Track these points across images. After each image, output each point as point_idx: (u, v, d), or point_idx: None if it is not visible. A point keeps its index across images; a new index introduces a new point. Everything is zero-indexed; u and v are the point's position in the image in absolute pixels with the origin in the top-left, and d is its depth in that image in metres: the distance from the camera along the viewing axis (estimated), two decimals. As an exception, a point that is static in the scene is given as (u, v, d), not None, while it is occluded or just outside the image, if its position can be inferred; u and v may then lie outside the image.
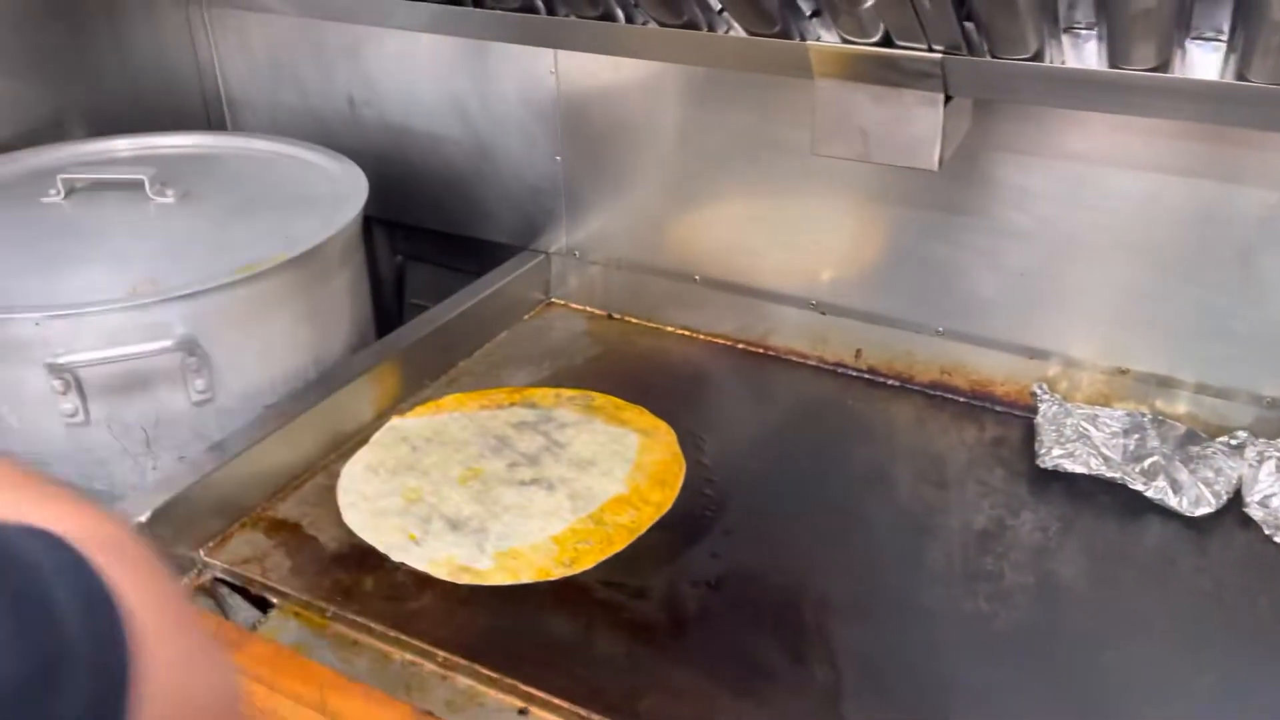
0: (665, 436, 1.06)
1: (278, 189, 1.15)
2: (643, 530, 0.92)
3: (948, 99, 0.79)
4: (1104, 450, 0.98)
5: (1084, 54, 0.73)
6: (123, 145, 1.25)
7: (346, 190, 1.13)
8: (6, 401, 0.92)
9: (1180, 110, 0.76)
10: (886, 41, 0.76)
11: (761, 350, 1.22)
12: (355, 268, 1.12)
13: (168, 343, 0.90)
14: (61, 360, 0.87)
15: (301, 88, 1.40)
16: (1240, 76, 0.68)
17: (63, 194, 1.08)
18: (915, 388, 1.14)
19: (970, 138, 0.98)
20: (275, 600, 0.86)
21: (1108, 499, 0.96)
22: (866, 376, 1.17)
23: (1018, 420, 1.08)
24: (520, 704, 0.75)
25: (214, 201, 1.10)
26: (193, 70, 1.45)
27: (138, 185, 1.07)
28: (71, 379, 0.89)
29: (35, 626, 0.27)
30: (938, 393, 1.13)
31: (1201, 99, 0.71)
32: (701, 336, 1.26)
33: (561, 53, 1.19)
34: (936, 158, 0.81)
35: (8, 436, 0.93)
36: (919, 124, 0.80)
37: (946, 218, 1.06)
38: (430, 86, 1.31)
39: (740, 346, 1.24)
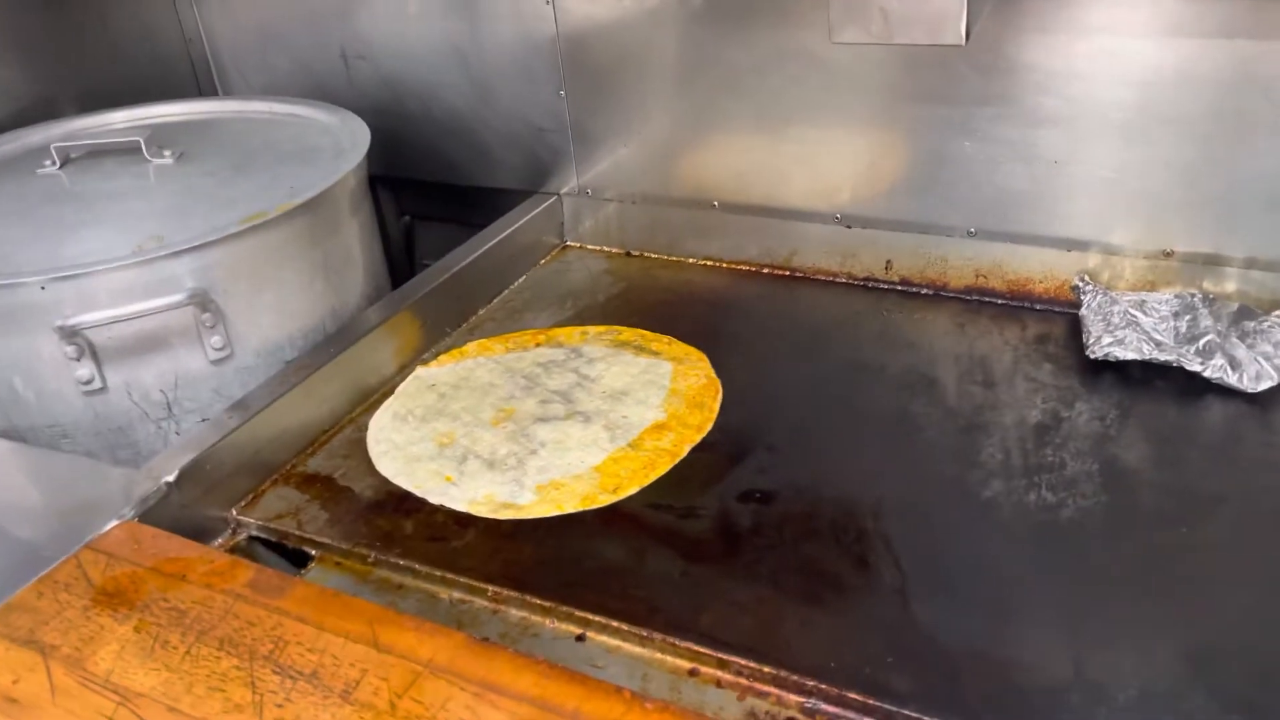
0: (698, 362, 1.02)
1: (277, 145, 1.12)
2: (684, 453, 0.89)
3: (972, -34, 0.75)
4: (1155, 335, 0.94)
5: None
6: (117, 117, 1.22)
7: (348, 141, 1.10)
8: (20, 374, 0.89)
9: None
10: (904, -93, 0.72)
11: (788, 273, 1.19)
12: (365, 218, 1.09)
13: (179, 297, 0.87)
14: (71, 322, 0.84)
15: (291, 48, 1.36)
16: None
17: (58, 164, 1.05)
18: (950, 294, 1.10)
19: (993, 21, 0.94)
20: (314, 552, 0.83)
21: (1163, 383, 0.92)
22: (899, 288, 1.13)
23: (1060, 317, 1.04)
24: (578, 630, 0.73)
25: (213, 160, 1.07)
26: (179, 41, 1.42)
27: (134, 149, 1.04)
28: (85, 344, 0.86)
29: None
30: (974, 297, 1.09)
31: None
32: (725, 265, 1.22)
33: (557, -19, 1.15)
34: (963, 30, 0.77)
35: (26, 411, 0.91)
36: (943, -4, 0.76)
37: (972, 110, 1.02)
38: (424, 33, 1.27)
39: (766, 271, 1.20)
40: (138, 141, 1.04)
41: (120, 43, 1.37)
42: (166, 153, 1.05)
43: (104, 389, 0.90)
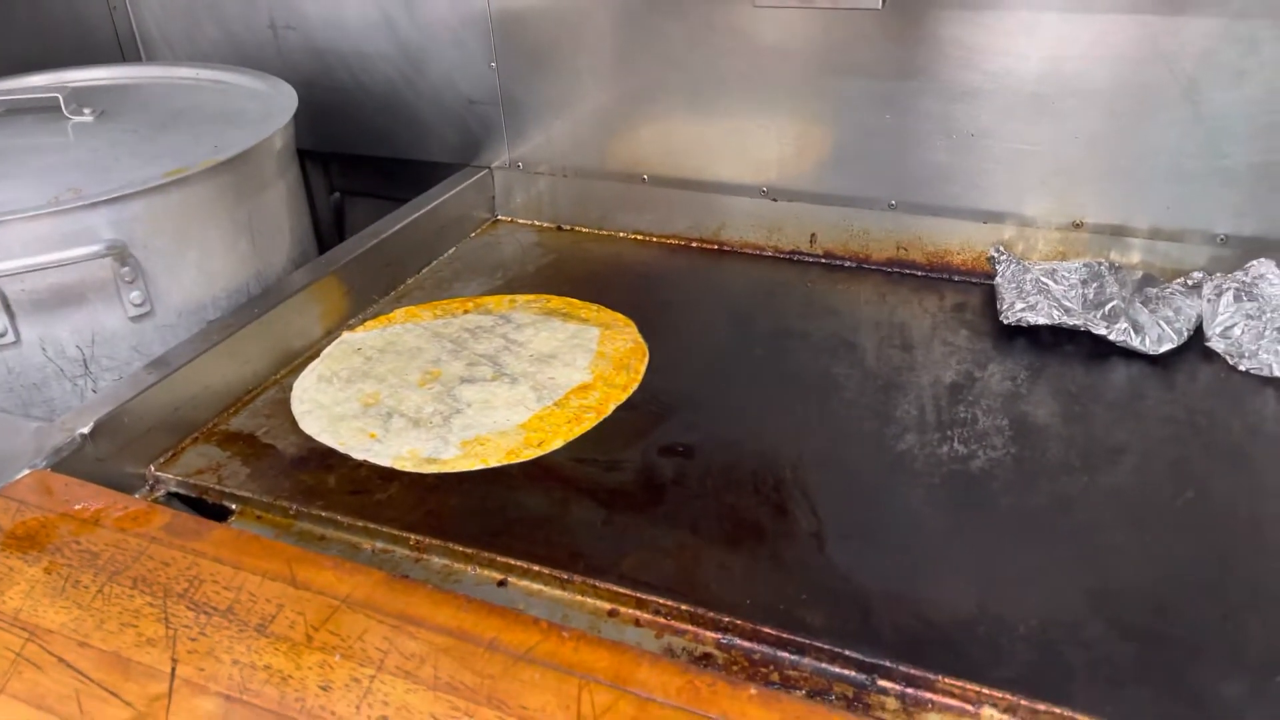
0: (626, 327, 1.03)
1: (202, 107, 1.10)
2: (609, 411, 0.90)
3: (889, -70, 0.77)
4: (1064, 301, 0.98)
5: None
6: (37, 80, 1.19)
7: (275, 105, 1.09)
8: (-71, 327, 0.87)
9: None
10: None
11: (716, 246, 1.21)
12: (292, 182, 1.08)
13: (95, 248, 0.85)
14: (-17, 272, 0.82)
15: (219, 17, 1.35)
16: None
17: (-28, 121, 1.03)
18: (873, 266, 1.13)
19: (912, -5, 0.97)
20: (234, 506, 0.82)
21: (1072, 347, 0.96)
22: (823, 261, 1.16)
23: (976, 287, 1.08)
24: (499, 576, 0.73)
25: (135, 119, 1.05)
26: (103, 9, 1.39)
27: (53, 106, 1.02)
28: (-3, 295, 0.84)
29: None
30: (895, 269, 1.12)
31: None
32: (655, 239, 1.23)
33: (488, -49, 1.16)
34: (881, -6, 0.79)
35: (-67, 365, 0.89)
36: (861, -41, 0.78)
37: (894, 85, 1.04)
38: (355, 2, 1.26)
39: (695, 245, 1.22)
40: (56, 98, 1.02)
41: (43, 9, 1.34)
42: (86, 110, 1.03)
43: (17, 343, 0.88)
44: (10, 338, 0.87)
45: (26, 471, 0.75)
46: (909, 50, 1.01)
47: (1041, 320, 0.97)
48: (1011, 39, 0.98)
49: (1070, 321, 0.96)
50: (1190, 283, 0.97)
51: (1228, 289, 0.94)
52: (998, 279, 1.02)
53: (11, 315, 0.86)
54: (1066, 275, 0.99)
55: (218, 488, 0.83)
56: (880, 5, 0.79)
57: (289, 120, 1.04)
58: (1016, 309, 0.98)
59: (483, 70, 1.23)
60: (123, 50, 1.42)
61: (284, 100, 1.09)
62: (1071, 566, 0.71)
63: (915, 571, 0.71)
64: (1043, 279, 1.00)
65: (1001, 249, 1.04)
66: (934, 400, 0.89)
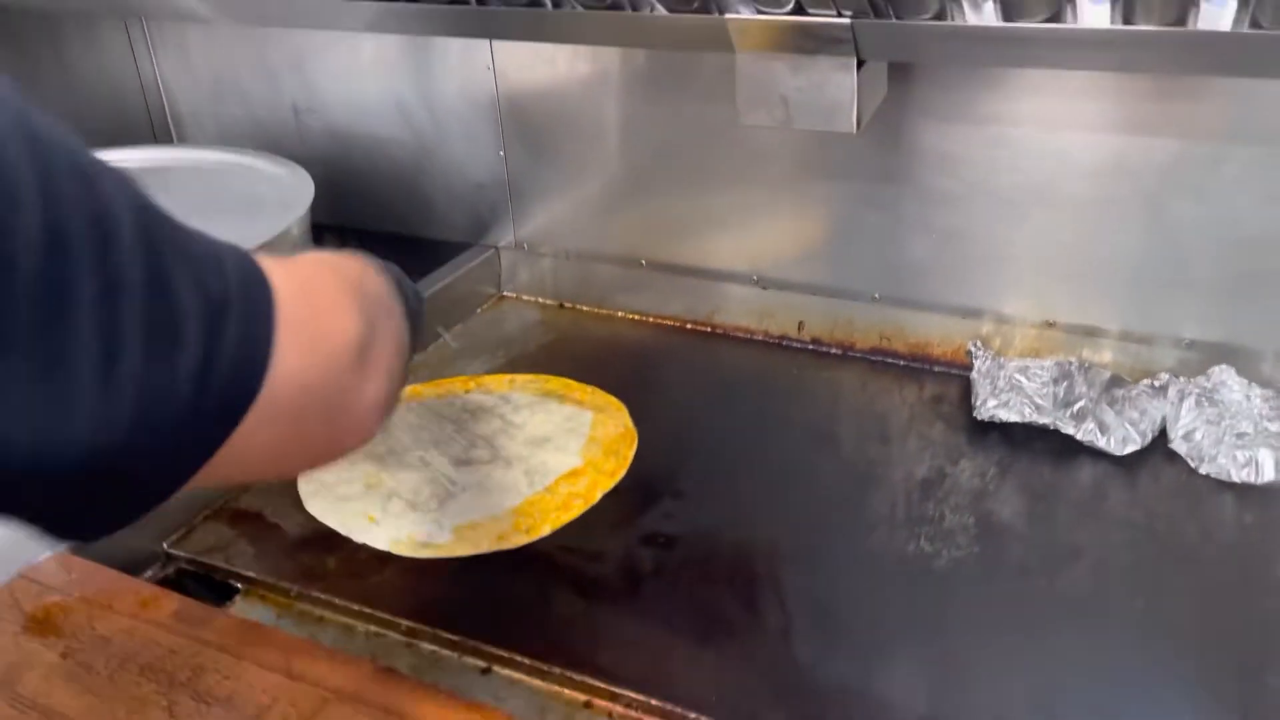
0: (618, 412, 1.08)
1: (225, 195, 1.17)
2: (596, 499, 0.95)
3: (860, 63, 0.83)
4: (1036, 399, 1.02)
5: (983, 14, 0.77)
6: (69, 162, 1.26)
7: (293, 193, 1.16)
8: (-37, 409, 0.93)
9: (1076, 59, 0.80)
10: (799, 10, 0.80)
11: (709, 329, 1.26)
12: (306, 266, 1.14)
13: (121, 340, 0.91)
14: (16, 362, 0.88)
15: (245, 99, 1.42)
16: (1127, 22, 0.72)
17: (10, 207, 1.10)
18: (857, 355, 1.18)
19: (892, 107, 1.02)
20: (240, 585, 0.88)
21: (1041, 444, 1.00)
22: (810, 348, 1.20)
23: (955, 379, 1.12)
24: (484, 664, 0.78)
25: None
26: (136, 87, 1.47)
27: (85, 195, 1.09)
28: (27, 382, 0.90)
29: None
30: (878, 358, 1.17)
31: (1094, 46, 0.75)
32: (651, 319, 1.29)
33: (498, 49, 1.23)
34: (854, 120, 0.84)
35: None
36: (835, 89, 0.84)
37: (877, 187, 1.10)
38: (373, 90, 1.33)
39: (689, 327, 1.27)
40: (89, 188, 1.09)
41: (77, 87, 1.42)
42: (117, 200, 1.10)
43: (44, 425, 0.94)
44: (38, 420, 0.93)
45: (48, 554, 0.81)
46: (889, 156, 1.07)
47: (1013, 418, 1.01)
48: (985, 150, 1.03)
49: (1041, 420, 1.00)
50: (1157, 384, 1.01)
51: (1190, 393, 0.98)
52: (973, 373, 1.07)
53: (40, 399, 0.92)
54: (1038, 373, 1.04)
55: (225, 567, 0.88)
56: (855, 130, 0.85)
57: (305, 211, 1.11)
58: (990, 406, 1.02)
59: (492, 159, 1.29)
60: (154, 126, 1.50)
61: (302, 188, 1.16)
62: (1020, 667, 0.75)
63: (873, 670, 0.75)
64: (1016, 376, 1.04)
65: (979, 344, 1.09)
66: (905, 495, 0.93)
